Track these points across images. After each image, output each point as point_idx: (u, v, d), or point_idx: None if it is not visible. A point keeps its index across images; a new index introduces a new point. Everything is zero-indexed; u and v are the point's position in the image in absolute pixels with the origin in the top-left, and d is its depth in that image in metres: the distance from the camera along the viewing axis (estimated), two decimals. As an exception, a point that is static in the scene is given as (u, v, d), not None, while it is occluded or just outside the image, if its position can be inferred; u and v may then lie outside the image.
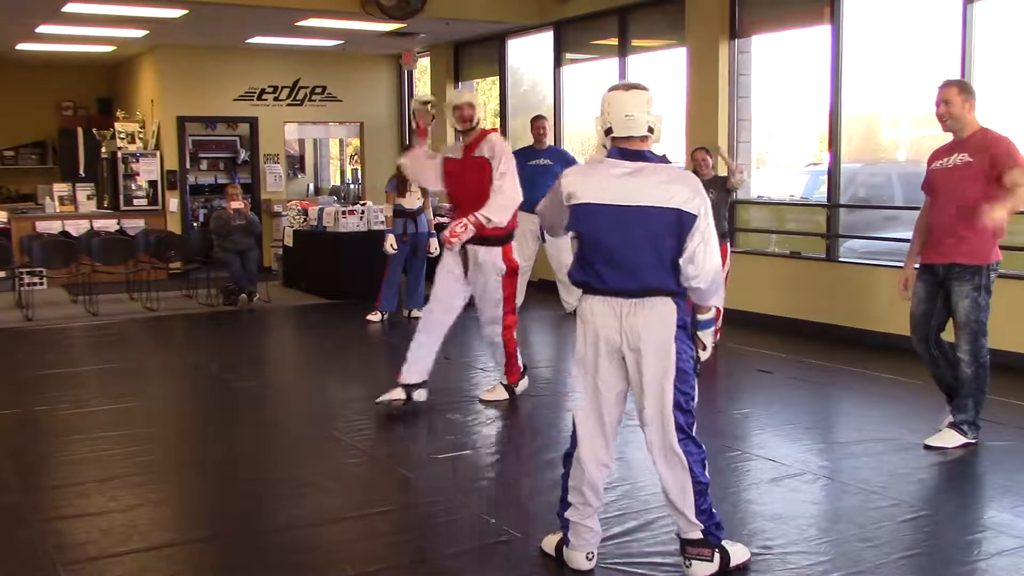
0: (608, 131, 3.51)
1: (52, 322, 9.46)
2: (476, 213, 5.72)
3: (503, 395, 6.29)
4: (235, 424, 6.06)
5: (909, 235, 8.34)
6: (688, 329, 3.56)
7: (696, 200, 3.43)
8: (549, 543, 3.80)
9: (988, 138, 5.06)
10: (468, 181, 5.93)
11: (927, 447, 5.14)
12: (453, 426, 5.75)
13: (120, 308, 10.18)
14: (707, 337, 3.72)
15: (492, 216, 5.75)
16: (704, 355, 3.73)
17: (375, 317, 9.31)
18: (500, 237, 5.93)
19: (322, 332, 9.33)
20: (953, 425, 5.21)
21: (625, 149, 3.50)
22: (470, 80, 13.49)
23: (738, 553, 3.68)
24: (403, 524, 4.28)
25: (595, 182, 3.52)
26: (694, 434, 3.57)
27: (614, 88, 3.56)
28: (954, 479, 4.97)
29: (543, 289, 10.51)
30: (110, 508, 4.38)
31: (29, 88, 14.31)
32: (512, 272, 6.06)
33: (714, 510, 3.62)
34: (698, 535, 3.57)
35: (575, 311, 10.56)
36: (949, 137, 5.22)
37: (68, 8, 9.80)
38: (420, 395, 6.06)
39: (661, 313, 3.49)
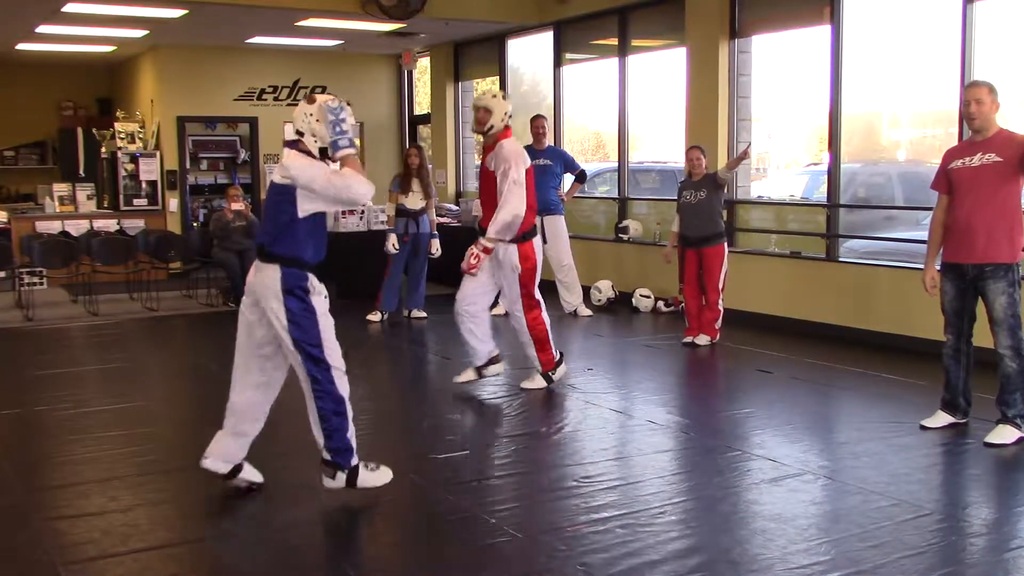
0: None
1: (52, 322, 9.46)
2: (482, 239, 6.13)
3: (541, 383, 6.47)
4: (235, 424, 6.05)
5: (909, 235, 8.47)
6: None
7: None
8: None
9: (1016, 138, 5.13)
10: (485, 190, 6.33)
11: (986, 444, 5.16)
12: (453, 426, 5.75)
13: (120, 308, 10.19)
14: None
15: (495, 235, 6.09)
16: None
17: (375, 317, 9.30)
18: (517, 236, 6.21)
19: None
20: (1007, 420, 5.23)
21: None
22: (471, 80, 13.51)
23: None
24: (403, 524, 4.28)
25: None
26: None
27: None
28: (954, 479, 4.98)
29: (543, 289, 10.47)
30: (110, 508, 4.38)
31: (29, 88, 14.32)
32: (529, 270, 6.32)
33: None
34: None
35: (574, 311, 10.52)
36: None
37: (68, 8, 9.80)
38: (494, 370, 6.48)
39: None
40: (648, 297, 9.71)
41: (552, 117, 11.42)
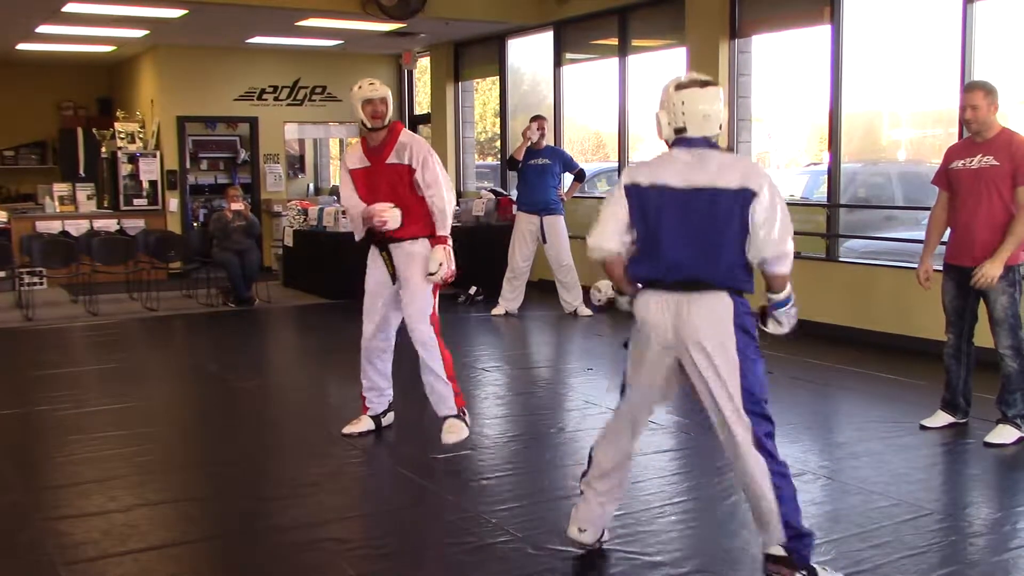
0: (680, 130, 3.36)
1: (52, 322, 9.46)
2: (448, 239, 5.15)
3: (466, 432, 5.21)
4: (235, 424, 6.06)
5: (909, 235, 8.46)
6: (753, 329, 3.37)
7: (756, 179, 3.37)
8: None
9: (1015, 143, 5.10)
10: (382, 190, 5.18)
11: (986, 444, 5.15)
12: (453, 426, 5.74)
13: (120, 308, 10.18)
14: (781, 317, 3.64)
15: (445, 232, 5.16)
16: (777, 330, 3.63)
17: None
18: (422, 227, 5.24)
19: (322, 332, 9.32)
20: (1007, 420, 5.23)
21: (692, 139, 3.36)
22: (471, 80, 13.51)
23: None
24: (403, 524, 4.27)
25: (655, 169, 3.41)
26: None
27: (686, 85, 3.35)
28: (954, 479, 4.98)
29: (542, 290, 10.51)
30: (110, 508, 4.38)
31: (29, 88, 14.31)
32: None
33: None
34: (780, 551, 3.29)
35: (574, 311, 10.43)
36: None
37: (68, 8, 9.80)
38: (390, 418, 5.62)
39: (713, 308, 3.40)
40: (648, 297, 9.69)
41: (552, 117, 11.41)
